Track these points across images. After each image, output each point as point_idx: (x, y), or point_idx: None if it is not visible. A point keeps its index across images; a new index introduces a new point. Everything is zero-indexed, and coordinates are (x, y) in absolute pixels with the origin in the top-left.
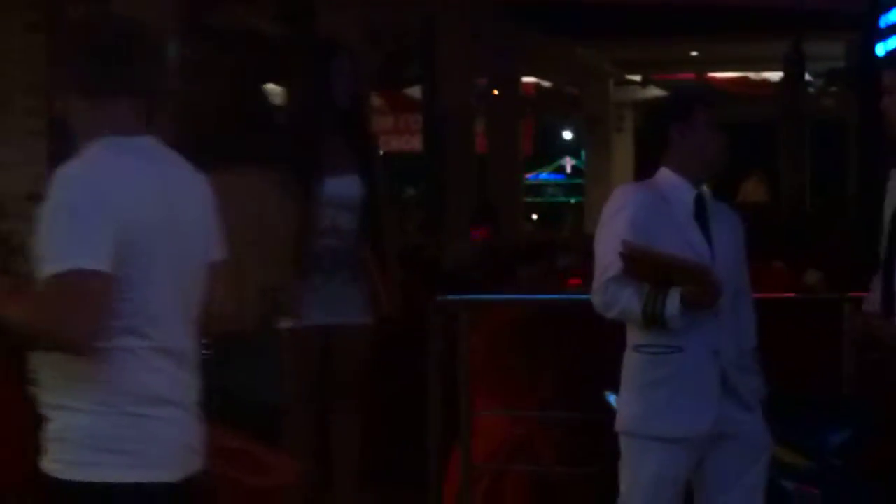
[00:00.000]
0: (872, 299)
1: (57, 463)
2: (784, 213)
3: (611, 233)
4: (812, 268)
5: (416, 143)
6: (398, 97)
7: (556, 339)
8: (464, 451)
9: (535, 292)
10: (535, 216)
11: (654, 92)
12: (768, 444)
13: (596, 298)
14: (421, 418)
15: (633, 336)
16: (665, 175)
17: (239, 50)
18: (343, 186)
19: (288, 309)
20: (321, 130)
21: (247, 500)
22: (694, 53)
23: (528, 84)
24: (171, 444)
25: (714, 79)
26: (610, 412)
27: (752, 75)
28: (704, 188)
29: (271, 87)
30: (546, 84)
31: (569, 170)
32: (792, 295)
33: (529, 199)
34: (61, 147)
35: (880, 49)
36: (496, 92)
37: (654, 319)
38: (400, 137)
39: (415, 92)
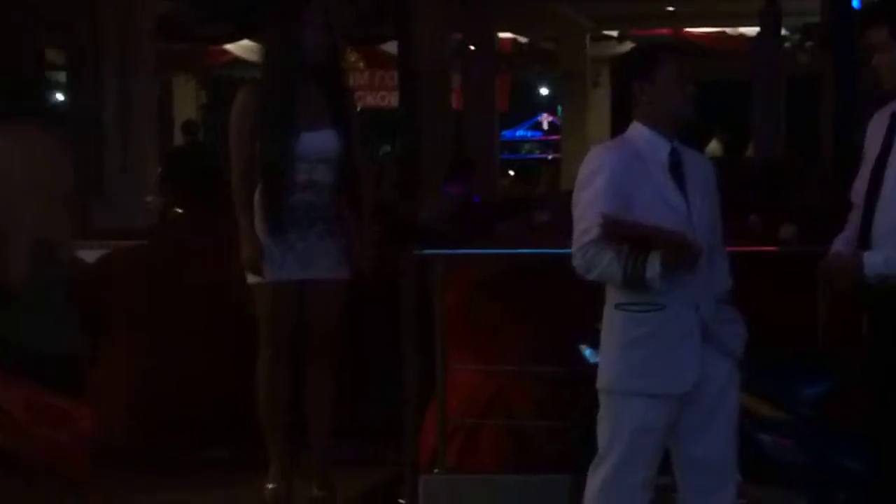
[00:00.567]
0: (844, 237)
1: None
2: (759, 167)
3: (589, 195)
4: (787, 222)
5: (391, 100)
6: (374, 53)
7: (531, 293)
8: (440, 404)
9: (511, 247)
10: (511, 172)
11: (631, 47)
12: (733, 393)
13: (576, 261)
14: (396, 372)
15: (614, 295)
16: (638, 130)
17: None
18: (319, 140)
19: (64, 264)
20: (293, 84)
21: (47, 452)
22: (670, 8)
23: (504, 40)
24: None
25: (691, 34)
26: (585, 366)
27: (728, 30)
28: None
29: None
30: (522, 40)
31: (545, 126)
32: (768, 248)
33: (506, 156)
34: None
35: (855, 2)
36: (472, 47)
37: (634, 282)
38: (376, 94)
39: (391, 48)
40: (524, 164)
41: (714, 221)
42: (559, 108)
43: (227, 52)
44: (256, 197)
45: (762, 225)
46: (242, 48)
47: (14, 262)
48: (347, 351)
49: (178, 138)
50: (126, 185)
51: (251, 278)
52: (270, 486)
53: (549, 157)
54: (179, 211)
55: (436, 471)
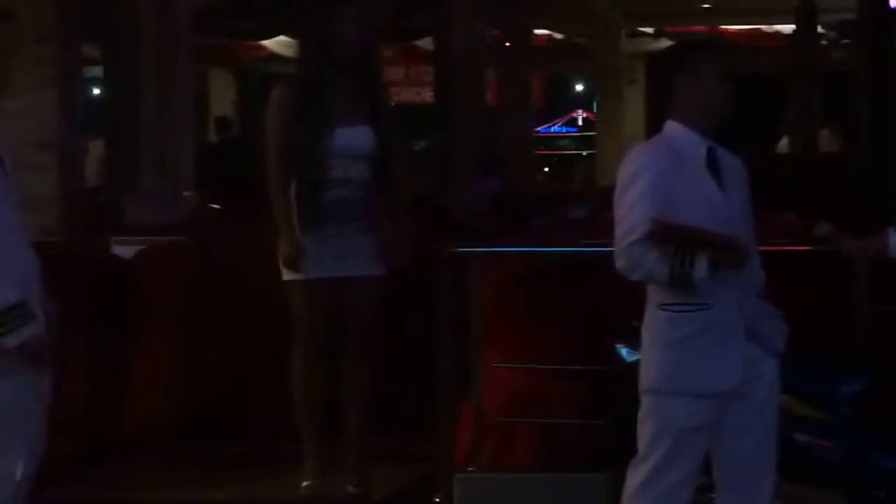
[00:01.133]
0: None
1: None
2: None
3: (632, 196)
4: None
5: (427, 95)
6: (409, 49)
7: (567, 290)
8: (475, 402)
9: (546, 243)
10: (546, 168)
11: (667, 44)
12: (777, 391)
13: (619, 261)
14: (432, 370)
15: (658, 295)
16: (674, 128)
17: None
18: (354, 137)
19: None
20: (328, 80)
21: None
22: (706, 5)
23: (539, 36)
24: None
25: (726, 31)
26: (621, 365)
27: (764, 27)
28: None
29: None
30: (558, 36)
31: (580, 122)
32: (804, 248)
33: (541, 152)
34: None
35: (892, 0)
36: (508, 44)
37: (681, 282)
38: (411, 89)
39: (426, 44)
40: (559, 160)
41: (748, 217)
42: (594, 103)
43: (262, 48)
44: (292, 193)
45: (798, 223)
46: (278, 44)
47: None
48: (383, 347)
49: (214, 134)
50: (161, 181)
51: (287, 275)
52: (306, 482)
53: (585, 153)
54: (215, 207)
55: (470, 469)
